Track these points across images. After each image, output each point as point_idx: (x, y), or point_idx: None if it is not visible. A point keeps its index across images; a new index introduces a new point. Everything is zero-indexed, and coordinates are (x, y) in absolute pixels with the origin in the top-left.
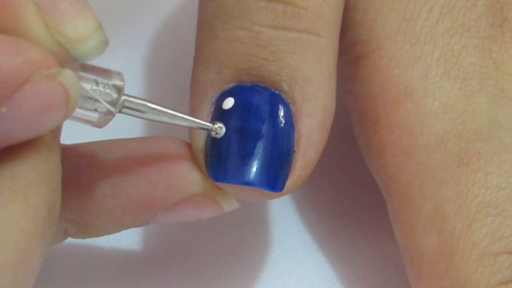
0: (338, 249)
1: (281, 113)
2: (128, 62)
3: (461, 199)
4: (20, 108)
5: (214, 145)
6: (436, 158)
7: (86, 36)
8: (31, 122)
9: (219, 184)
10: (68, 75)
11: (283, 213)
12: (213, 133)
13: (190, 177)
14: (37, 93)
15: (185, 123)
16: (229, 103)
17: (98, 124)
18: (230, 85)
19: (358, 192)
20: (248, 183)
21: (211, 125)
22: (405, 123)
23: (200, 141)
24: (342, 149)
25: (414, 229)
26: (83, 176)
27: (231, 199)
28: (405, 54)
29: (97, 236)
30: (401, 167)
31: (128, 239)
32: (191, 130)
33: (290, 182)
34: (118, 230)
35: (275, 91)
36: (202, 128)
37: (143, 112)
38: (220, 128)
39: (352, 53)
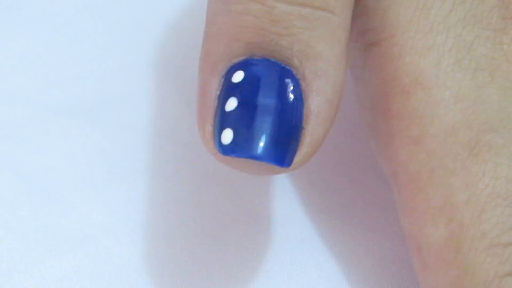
0: (338, 249)
1: (291, 89)
2: (129, 63)
3: (471, 189)
4: None
5: (224, 118)
6: (446, 148)
7: None
8: None
9: (227, 158)
10: None
11: (283, 212)
12: None
13: None
14: None
15: None
16: (238, 76)
17: None
18: (240, 58)
19: (358, 192)
20: (256, 157)
21: None
22: (415, 112)
23: (210, 115)
24: (343, 149)
25: (422, 218)
26: None
27: None
28: (417, 43)
29: None
30: (411, 155)
31: (127, 240)
32: (200, 103)
33: (298, 158)
34: None
35: (286, 66)
36: None
37: None
38: None
39: (363, 41)
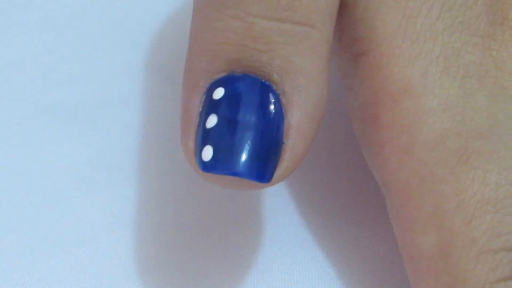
0: (338, 249)
1: (271, 104)
2: (129, 63)
3: (460, 196)
4: None
5: (204, 135)
6: (436, 156)
7: None
8: None
9: (208, 174)
10: None
11: (283, 213)
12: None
13: None
14: None
15: None
16: (219, 93)
17: None
18: (221, 75)
19: (358, 192)
20: (237, 174)
21: None
22: (404, 121)
23: (191, 132)
24: (342, 148)
25: (413, 227)
26: None
27: None
28: (404, 52)
29: None
30: (401, 164)
31: (127, 240)
32: (182, 120)
33: (278, 173)
34: None
35: (266, 82)
36: None
37: None
38: None
39: (352, 51)
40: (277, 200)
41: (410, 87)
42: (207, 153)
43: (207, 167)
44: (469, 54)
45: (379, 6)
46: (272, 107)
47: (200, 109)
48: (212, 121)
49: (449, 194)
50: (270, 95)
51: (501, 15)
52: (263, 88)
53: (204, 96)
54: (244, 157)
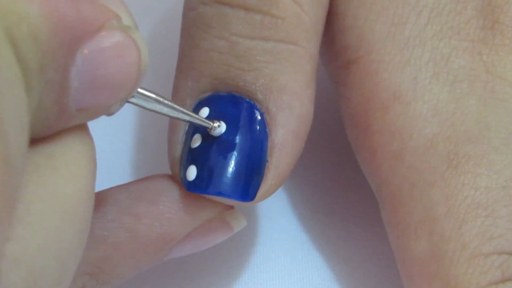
0: (338, 249)
1: (255, 123)
2: None
3: (451, 201)
4: (101, 51)
5: (189, 155)
6: (426, 161)
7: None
8: (111, 70)
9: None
10: (138, 34)
11: (283, 213)
12: (213, 131)
13: (200, 205)
14: (112, 40)
15: (186, 118)
16: (204, 113)
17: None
18: (207, 94)
19: (357, 192)
20: (219, 194)
21: (211, 123)
22: (395, 127)
23: (177, 151)
24: (342, 148)
25: (405, 232)
26: (96, 227)
27: (240, 218)
28: (394, 59)
29: (114, 285)
30: (392, 170)
31: None
32: (169, 139)
33: (262, 191)
34: (136, 273)
35: (250, 101)
36: (202, 125)
37: (149, 102)
38: (219, 126)
39: (343, 59)
40: (276, 200)
41: (400, 94)
42: (191, 173)
43: (190, 187)
44: (459, 59)
45: (368, 14)
46: (256, 126)
47: (187, 129)
48: (196, 141)
49: (440, 199)
50: (254, 114)
51: (491, 19)
52: (248, 108)
53: None
54: (227, 177)
